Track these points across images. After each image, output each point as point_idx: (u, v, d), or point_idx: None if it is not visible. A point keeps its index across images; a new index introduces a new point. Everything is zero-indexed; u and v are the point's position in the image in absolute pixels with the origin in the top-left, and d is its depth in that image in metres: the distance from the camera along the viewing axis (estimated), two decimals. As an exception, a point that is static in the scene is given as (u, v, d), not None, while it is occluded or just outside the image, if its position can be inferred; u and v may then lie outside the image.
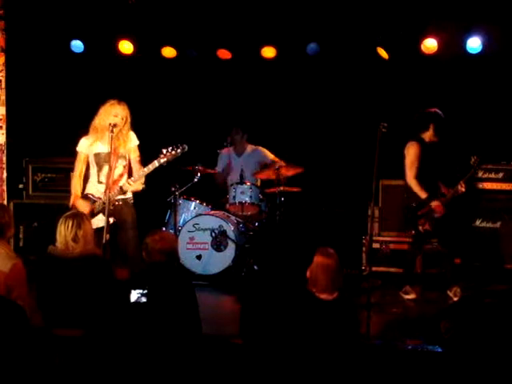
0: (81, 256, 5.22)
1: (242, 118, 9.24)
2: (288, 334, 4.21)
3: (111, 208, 6.63)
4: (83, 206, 6.67)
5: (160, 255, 5.00)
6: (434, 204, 7.13)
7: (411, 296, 7.34)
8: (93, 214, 6.61)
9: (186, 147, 6.69)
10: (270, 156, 8.97)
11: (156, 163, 6.64)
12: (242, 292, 7.39)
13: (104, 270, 5.29)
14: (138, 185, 6.74)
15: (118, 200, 6.76)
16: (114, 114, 6.72)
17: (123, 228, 6.79)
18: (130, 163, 6.88)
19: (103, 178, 6.74)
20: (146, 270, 5.11)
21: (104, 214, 6.54)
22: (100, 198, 6.70)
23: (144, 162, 6.89)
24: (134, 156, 6.85)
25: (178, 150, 6.66)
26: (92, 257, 5.29)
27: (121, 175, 6.81)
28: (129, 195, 6.86)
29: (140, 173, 6.70)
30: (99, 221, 6.59)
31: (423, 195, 7.15)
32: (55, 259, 5.24)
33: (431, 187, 7.21)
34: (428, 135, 7.28)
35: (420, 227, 7.23)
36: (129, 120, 6.80)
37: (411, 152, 7.24)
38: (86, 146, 6.83)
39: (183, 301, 4.87)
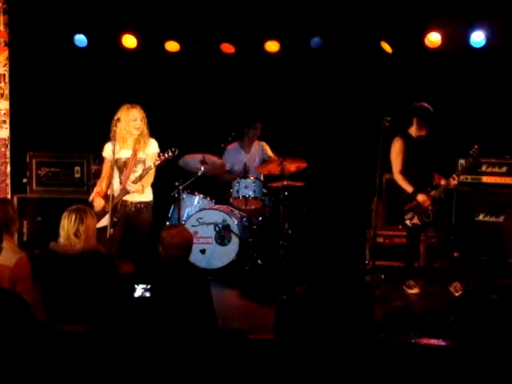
0: (82, 252, 5.21)
1: (245, 112, 9.23)
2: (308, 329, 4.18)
3: (132, 209, 6.80)
4: (99, 204, 6.77)
5: (176, 250, 4.99)
6: (420, 198, 7.10)
7: (414, 290, 7.34)
8: (105, 213, 6.65)
9: (177, 151, 6.77)
10: (270, 153, 8.98)
11: (151, 165, 6.72)
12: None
13: (106, 266, 5.27)
14: (139, 186, 6.76)
15: (139, 203, 6.86)
16: (132, 118, 6.78)
17: (138, 231, 6.87)
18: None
19: (121, 180, 6.84)
20: (154, 265, 5.11)
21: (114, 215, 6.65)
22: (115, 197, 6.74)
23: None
24: (149, 163, 6.82)
25: (170, 154, 6.74)
26: (94, 253, 5.28)
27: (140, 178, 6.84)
28: (150, 198, 6.97)
29: (136, 175, 6.76)
30: (103, 221, 6.65)
31: (409, 189, 7.15)
32: (57, 255, 5.23)
33: (421, 181, 7.19)
34: (413, 129, 7.23)
35: (408, 221, 7.21)
36: (146, 124, 6.86)
37: (394, 147, 7.24)
38: (109, 151, 6.84)
39: (198, 296, 4.86)
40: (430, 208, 7.08)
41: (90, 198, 6.88)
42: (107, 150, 6.91)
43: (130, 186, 6.71)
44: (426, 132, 7.18)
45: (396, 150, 7.21)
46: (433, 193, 7.15)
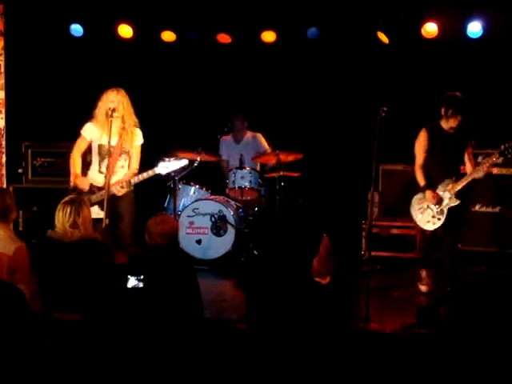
0: (80, 240, 5.23)
1: (241, 102, 9.23)
2: (286, 320, 4.20)
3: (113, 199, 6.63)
4: (84, 184, 6.66)
5: (161, 238, 5.02)
6: (427, 194, 6.83)
7: (424, 288, 7.17)
8: (91, 205, 6.58)
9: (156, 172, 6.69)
10: (265, 145, 8.97)
11: (156, 171, 6.66)
12: (245, 277, 7.39)
13: (103, 254, 5.29)
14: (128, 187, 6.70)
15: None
16: (109, 100, 6.66)
17: (120, 218, 6.72)
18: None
19: (104, 169, 6.67)
20: (144, 254, 5.12)
21: (100, 207, 6.55)
22: (99, 189, 6.66)
23: (146, 148, 6.92)
24: (136, 157, 6.78)
25: (150, 172, 6.66)
26: (91, 241, 5.30)
27: (122, 167, 6.76)
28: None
29: (135, 179, 6.66)
30: (96, 213, 6.43)
31: (421, 183, 6.93)
32: (54, 243, 5.25)
33: (446, 176, 6.84)
34: (443, 121, 6.89)
35: (419, 215, 6.95)
36: (131, 108, 6.76)
37: (417, 140, 6.99)
38: (91, 133, 6.75)
39: (185, 284, 4.88)
40: (436, 205, 6.89)
41: (71, 183, 6.71)
42: (88, 131, 6.77)
43: (119, 192, 6.64)
44: (455, 123, 6.79)
45: (418, 142, 6.97)
46: (450, 186, 6.80)
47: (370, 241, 6.76)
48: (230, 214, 8.27)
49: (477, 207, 8.33)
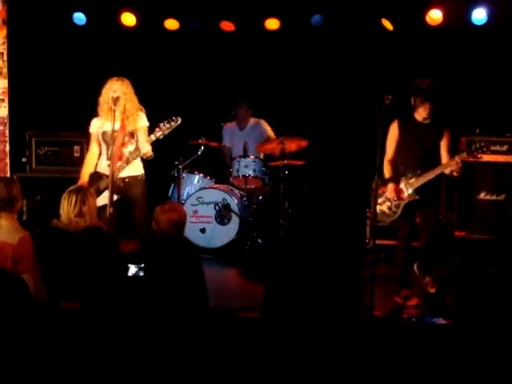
0: (85, 229, 5.24)
1: (245, 90, 9.21)
2: (303, 309, 4.19)
3: (121, 185, 6.66)
4: None
5: (168, 225, 5.02)
6: (388, 187, 6.61)
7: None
8: (99, 192, 6.59)
9: (180, 120, 6.61)
10: (269, 132, 8.94)
11: (153, 137, 6.59)
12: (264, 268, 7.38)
13: (108, 243, 5.30)
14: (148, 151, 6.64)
15: (127, 177, 6.72)
16: (112, 89, 6.67)
17: (132, 205, 6.77)
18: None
19: (108, 155, 6.71)
20: (150, 243, 5.13)
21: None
22: (107, 177, 6.66)
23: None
24: (143, 138, 6.70)
25: (172, 123, 6.58)
26: (96, 230, 5.31)
27: (129, 152, 6.73)
28: (139, 172, 6.83)
29: (129, 149, 6.68)
30: (105, 198, 6.49)
31: (386, 175, 6.70)
32: (59, 232, 5.27)
33: (418, 169, 6.51)
34: (415, 112, 6.57)
35: (378, 206, 6.67)
36: (134, 97, 6.75)
37: (389, 132, 6.68)
38: (97, 126, 6.81)
39: (190, 273, 4.88)
40: (395, 199, 6.61)
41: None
42: (94, 125, 6.84)
43: (120, 170, 6.65)
44: (425, 112, 6.47)
45: (389, 134, 6.67)
46: (412, 181, 6.48)
47: (375, 229, 6.72)
48: (234, 202, 8.26)
49: (481, 195, 8.31)
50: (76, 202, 5.27)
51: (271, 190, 8.65)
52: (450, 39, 8.72)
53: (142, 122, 6.78)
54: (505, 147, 8.29)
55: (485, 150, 6.55)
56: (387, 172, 6.70)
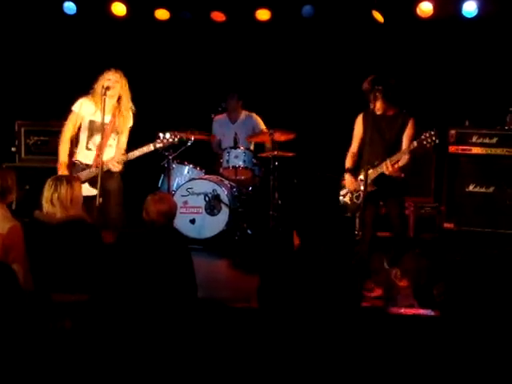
0: (65, 221, 5.19)
1: (235, 81, 9.20)
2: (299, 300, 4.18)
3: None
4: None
5: (157, 215, 5.04)
6: (346, 177, 6.65)
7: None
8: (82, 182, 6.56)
9: (178, 138, 6.80)
10: (262, 126, 8.94)
11: (151, 147, 6.69)
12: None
13: (89, 235, 5.24)
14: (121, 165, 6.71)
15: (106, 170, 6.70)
16: (107, 78, 6.69)
17: (107, 197, 6.69)
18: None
19: (92, 146, 6.72)
20: (137, 232, 5.13)
21: (90, 184, 6.59)
22: (88, 166, 6.65)
23: (136, 130, 6.91)
24: (125, 137, 6.81)
25: (176, 139, 6.78)
26: (76, 221, 5.24)
27: (110, 146, 6.77)
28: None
29: (131, 154, 6.70)
30: (86, 189, 6.43)
31: (346, 166, 6.72)
32: (40, 224, 5.23)
33: (375, 161, 6.40)
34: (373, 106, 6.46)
35: (341, 197, 6.79)
36: (128, 94, 6.78)
37: (355, 124, 6.73)
38: (85, 108, 6.76)
39: (179, 263, 4.89)
40: (354, 190, 6.61)
41: (59, 172, 6.62)
42: (82, 106, 6.76)
43: (115, 167, 6.65)
44: (379, 105, 6.40)
45: (355, 128, 6.72)
46: (370, 171, 6.33)
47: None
48: (223, 193, 8.26)
49: (471, 187, 8.32)
50: (50, 188, 5.25)
51: (261, 181, 8.65)
52: (440, 31, 8.73)
53: (130, 122, 6.84)
54: (494, 140, 8.30)
55: (433, 144, 6.26)
56: (347, 163, 6.72)
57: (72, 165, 6.74)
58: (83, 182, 6.42)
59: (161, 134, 6.76)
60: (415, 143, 6.27)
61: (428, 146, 6.25)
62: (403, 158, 6.35)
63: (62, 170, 6.64)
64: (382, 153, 6.45)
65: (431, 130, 6.20)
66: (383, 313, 5.65)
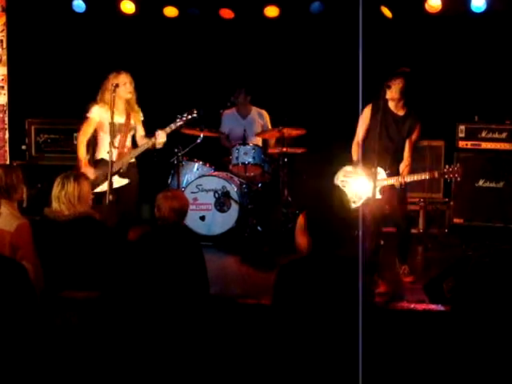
0: (73, 218, 5.21)
1: (244, 78, 9.20)
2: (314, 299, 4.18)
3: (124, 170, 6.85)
4: (90, 173, 6.63)
5: (169, 212, 5.04)
6: (357, 170, 6.51)
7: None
8: (105, 179, 6.63)
9: (202, 111, 7.07)
10: (269, 124, 8.97)
11: (173, 126, 6.93)
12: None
13: (97, 232, 5.26)
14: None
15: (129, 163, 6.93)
16: (122, 82, 6.83)
17: (131, 188, 6.91)
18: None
19: (115, 144, 6.82)
20: (153, 230, 5.14)
21: (119, 175, 6.78)
22: (114, 162, 6.74)
23: (150, 122, 6.96)
24: (142, 133, 7.04)
25: (190, 116, 7.02)
26: (84, 218, 5.26)
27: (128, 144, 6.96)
28: (133, 159, 7.00)
29: (167, 129, 6.95)
30: (117, 182, 6.69)
31: (354, 157, 6.69)
32: (49, 221, 5.24)
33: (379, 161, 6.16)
34: (387, 94, 6.48)
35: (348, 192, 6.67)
36: (134, 92, 6.92)
37: (362, 114, 6.60)
38: (100, 114, 6.86)
39: (191, 259, 4.89)
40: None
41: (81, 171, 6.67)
42: (97, 113, 6.88)
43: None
44: (395, 98, 6.44)
45: (361, 117, 6.58)
46: (384, 177, 6.33)
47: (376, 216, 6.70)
48: (233, 190, 8.27)
49: (480, 182, 8.33)
50: (57, 185, 5.28)
51: (271, 178, 8.66)
52: (449, 27, 8.71)
53: (141, 116, 7.04)
54: (504, 134, 8.31)
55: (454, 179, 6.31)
56: (355, 154, 6.71)
57: (99, 160, 6.86)
58: (113, 175, 6.56)
59: (179, 115, 7.01)
60: (436, 174, 6.32)
61: (448, 179, 6.30)
62: (409, 174, 6.34)
63: (84, 168, 6.73)
64: (390, 159, 6.49)
65: (455, 166, 6.23)
66: (388, 309, 5.66)
